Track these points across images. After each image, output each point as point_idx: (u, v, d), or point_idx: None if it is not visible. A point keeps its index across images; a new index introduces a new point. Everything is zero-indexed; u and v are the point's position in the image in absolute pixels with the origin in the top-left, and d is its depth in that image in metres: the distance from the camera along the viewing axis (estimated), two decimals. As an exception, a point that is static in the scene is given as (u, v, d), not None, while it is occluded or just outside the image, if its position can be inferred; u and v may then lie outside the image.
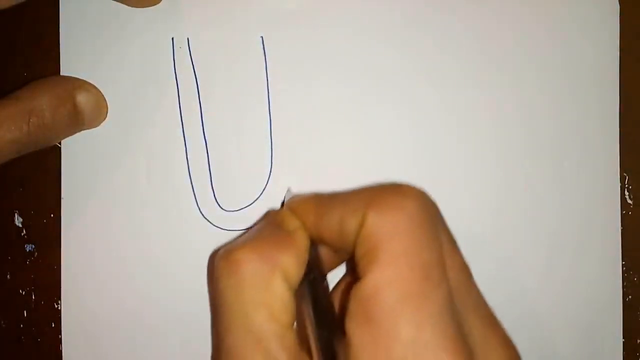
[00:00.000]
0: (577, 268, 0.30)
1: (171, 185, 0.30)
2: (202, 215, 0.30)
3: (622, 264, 0.30)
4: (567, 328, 0.30)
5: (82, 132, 0.29)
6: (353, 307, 0.21)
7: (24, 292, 0.31)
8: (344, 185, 0.29)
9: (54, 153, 0.30)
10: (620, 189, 0.30)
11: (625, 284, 0.30)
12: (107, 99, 0.29)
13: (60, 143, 0.30)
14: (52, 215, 0.30)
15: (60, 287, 0.30)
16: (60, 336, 0.30)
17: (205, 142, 0.30)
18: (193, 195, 0.30)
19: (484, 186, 0.30)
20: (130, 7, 0.29)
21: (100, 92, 0.29)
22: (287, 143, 0.30)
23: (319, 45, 0.30)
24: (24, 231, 0.31)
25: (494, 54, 0.30)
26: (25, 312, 0.31)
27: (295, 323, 0.23)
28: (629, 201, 0.30)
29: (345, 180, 0.29)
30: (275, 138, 0.30)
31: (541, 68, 0.30)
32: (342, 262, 0.27)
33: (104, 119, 0.29)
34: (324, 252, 0.25)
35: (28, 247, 0.31)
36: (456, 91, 0.30)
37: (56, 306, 0.30)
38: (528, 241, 0.30)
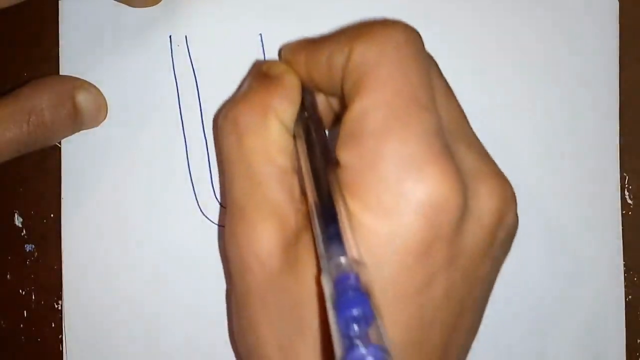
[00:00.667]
0: (578, 268, 0.30)
1: (171, 183, 0.30)
2: (203, 213, 0.30)
3: (623, 264, 0.30)
4: (567, 328, 0.30)
5: (82, 132, 0.29)
6: (342, 133, 0.21)
7: (24, 292, 0.31)
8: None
9: (54, 153, 0.30)
10: (620, 189, 0.30)
11: (625, 283, 0.30)
12: (106, 99, 0.29)
13: (60, 143, 0.30)
14: (52, 215, 0.30)
15: (60, 287, 0.30)
16: (60, 336, 0.30)
17: (205, 139, 0.30)
18: (193, 193, 0.30)
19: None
20: (128, 7, 0.29)
21: (99, 91, 0.29)
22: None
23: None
24: (24, 231, 0.31)
25: (493, 54, 0.30)
26: (25, 312, 0.31)
27: (296, 166, 0.23)
28: (629, 201, 0.30)
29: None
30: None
31: (541, 68, 0.30)
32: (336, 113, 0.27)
33: (104, 118, 0.29)
34: (320, 101, 0.25)
35: (28, 247, 0.31)
36: (455, 91, 0.30)
37: (56, 306, 0.30)
38: (528, 241, 0.30)
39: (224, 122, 0.24)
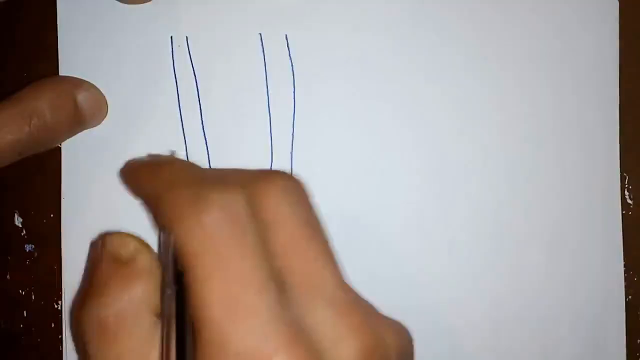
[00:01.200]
0: (578, 268, 0.30)
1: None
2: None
3: (623, 264, 0.30)
4: (568, 328, 0.30)
5: (82, 132, 0.29)
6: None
7: (24, 292, 0.31)
8: (345, 181, 0.30)
9: (54, 153, 0.30)
10: (620, 189, 0.30)
11: (625, 283, 0.30)
12: (106, 99, 0.29)
13: (60, 143, 0.30)
14: (52, 215, 0.30)
15: (60, 287, 0.30)
16: (60, 336, 0.30)
17: (205, 139, 0.30)
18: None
19: (484, 187, 0.30)
20: (128, 6, 0.29)
21: (99, 90, 0.29)
22: (286, 140, 0.30)
23: (318, 43, 0.30)
24: (24, 231, 0.31)
25: (492, 54, 0.30)
26: (25, 312, 0.31)
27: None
28: (629, 201, 0.30)
29: (345, 177, 0.30)
30: (275, 135, 0.30)
31: (541, 68, 0.30)
32: None
33: (105, 117, 0.29)
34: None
35: (28, 247, 0.31)
36: (455, 91, 0.30)
37: (56, 306, 0.30)
38: (528, 242, 0.30)
39: (90, 325, 0.22)
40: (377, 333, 0.22)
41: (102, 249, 0.25)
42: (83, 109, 0.28)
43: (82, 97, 0.28)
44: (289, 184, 0.22)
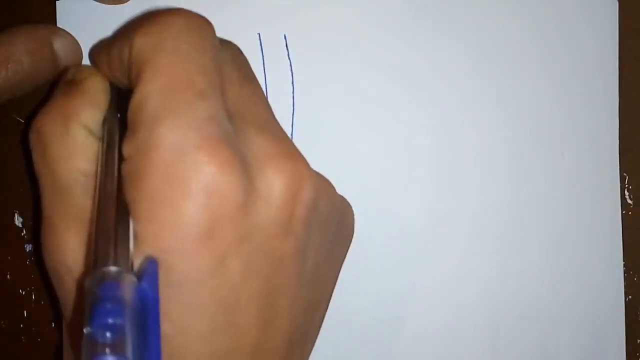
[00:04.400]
0: (578, 268, 0.30)
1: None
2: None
3: (623, 264, 0.30)
4: (568, 328, 0.30)
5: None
6: (127, 126, 0.21)
7: (24, 292, 0.31)
8: (345, 181, 0.29)
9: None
10: (620, 189, 0.30)
11: (625, 283, 0.30)
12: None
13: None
14: (52, 215, 0.30)
15: (60, 287, 0.30)
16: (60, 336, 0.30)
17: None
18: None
19: (483, 187, 0.30)
20: (128, 6, 0.29)
21: (75, 38, 0.29)
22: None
23: (317, 43, 0.30)
24: (24, 231, 0.31)
25: (492, 54, 0.30)
26: (25, 312, 0.31)
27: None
28: (629, 201, 0.30)
29: (345, 177, 0.30)
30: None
31: (540, 68, 0.30)
32: None
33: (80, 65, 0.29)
34: None
35: (28, 247, 0.31)
36: (455, 91, 0.30)
37: (56, 306, 0.30)
38: (528, 242, 0.30)
39: (30, 136, 0.24)
40: (308, 170, 0.22)
41: (62, 76, 0.26)
42: (59, 55, 0.28)
43: (58, 43, 0.28)
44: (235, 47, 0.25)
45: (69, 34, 0.29)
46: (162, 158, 0.20)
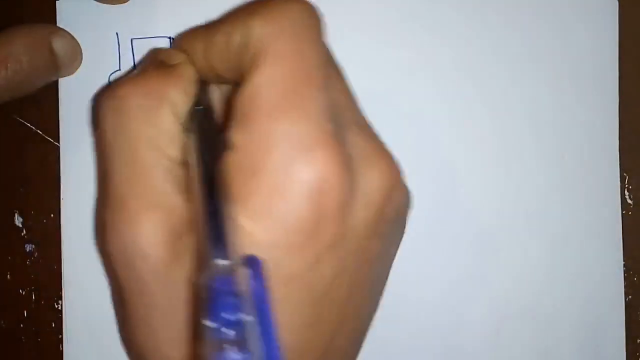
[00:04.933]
0: (578, 268, 0.30)
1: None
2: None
3: (623, 264, 0.30)
4: (568, 328, 0.30)
5: (82, 132, 0.29)
6: (236, 113, 0.21)
7: (24, 292, 0.31)
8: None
9: (54, 153, 0.30)
10: (620, 189, 0.30)
11: (625, 283, 0.30)
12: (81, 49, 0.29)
13: (59, 142, 0.30)
14: (52, 215, 0.30)
15: (60, 287, 0.30)
16: (60, 336, 0.30)
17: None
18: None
19: (483, 187, 0.30)
20: (127, 6, 0.29)
21: (74, 37, 0.29)
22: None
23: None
24: (24, 231, 0.31)
25: (492, 54, 0.30)
26: (25, 312, 0.31)
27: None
28: (629, 201, 0.30)
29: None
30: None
31: (540, 68, 0.30)
32: None
33: (79, 64, 0.29)
34: (217, 98, 0.25)
35: (28, 247, 0.31)
36: (454, 91, 0.30)
37: (56, 306, 0.30)
38: (528, 242, 0.30)
39: (110, 102, 0.22)
40: (399, 170, 0.23)
41: (152, 55, 0.26)
42: (58, 54, 0.28)
43: (57, 42, 0.28)
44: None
45: (68, 33, 0.29)
46: (281, 151, 0.20)
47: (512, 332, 0.30)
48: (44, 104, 0.30)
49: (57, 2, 0.30)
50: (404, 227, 0.26)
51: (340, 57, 0.30)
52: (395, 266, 0.30)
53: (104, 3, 0.29)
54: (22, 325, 0.31)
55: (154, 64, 0.24)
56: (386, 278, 0.26)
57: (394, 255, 0.26)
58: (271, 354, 0.18)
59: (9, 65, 0.26)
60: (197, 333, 0.17)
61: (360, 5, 0.30)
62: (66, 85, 0.30)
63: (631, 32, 0.30)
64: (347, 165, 0.20)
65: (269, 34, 0.21)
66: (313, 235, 0.20)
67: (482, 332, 0.30)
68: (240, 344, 0.16)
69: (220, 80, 0.24)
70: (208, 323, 0.16)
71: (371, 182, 0.21)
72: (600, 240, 0.30)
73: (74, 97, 0.29)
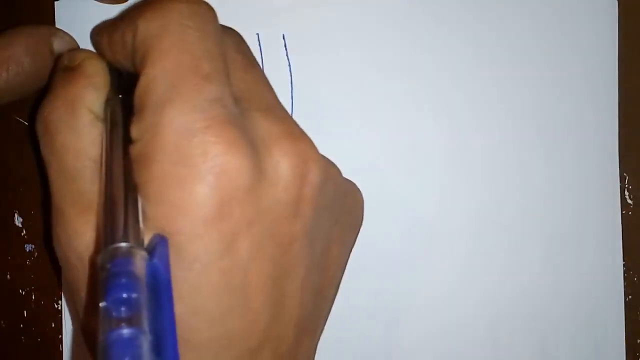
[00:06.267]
0: (577, 268, 0.30)
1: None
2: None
3: (623, 264, 0.30)
4: (568, 328, 0.30)
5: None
6: (134, 109, 0.21)
7: (24, 292, 0.31)
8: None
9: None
10: (620, 189, 0.30)
11: (625, 283, 0.30)
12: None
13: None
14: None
15: (60, 287, 0.30)
16: (60, 336, 0.30)
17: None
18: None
19: (483, 187, 0.30)
20: (124, 9, 0.29)
21: (73, 38, 0.29)
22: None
23: (315, 43, 0.30)
24: (24, 231, 0.31)
25: (492, 54, 0.30)
26: (25, 312, 0.31)
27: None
28: (629, 201, 0.30)
29: (346, 177, 0.30)
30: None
31: (540, 68, 0.30)
32: None
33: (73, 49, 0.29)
34: None
35: (28, 247, 0.31)
36: (454, 90, 0.30)
37: (56, 306, 0.31)
38: (528, 242, 0.30)
39: (38, 127, 0.24)
40: (315, 152, 0.22)
41: (57, 63, 0.26)
42: (59, 55, 0.28)
43: (57, 43, 0.28)
44: (238, 35, 0.25)
45: (67, 34, 0.29)
46: (171, 140, 0.20)
47: (511, 332, 0.30)
48: (43, 104, 0.30)
49: (55, 2, 0.30)
50: (355, 212, 0.26)
51: (339, 56, 0.30)
52: (395, 266, 0.30)
53: (103, 3, 0.29)
54: (22, 325, 0.31)
55: (60, 72, 0.25)
56: (342, 263, 0.25)
57: (347, 240, 0.26)
58: (167, 332, 0.18)
59: (10, 67, 0.26)
60: (97, 316, 0.17)
61: (358, 5, 0.30)
62: (66, 86, 0.30)
63: (631, 32, 0.30)
64: (246, 147, 0.20)
65: (155, 31, 0.21)
66: (218, 221, 0.20)
67: (482, 332, 0.30)
68: (131, 320, 0.16)
69: (127, 70, 0.24)
70: (102, 303, 0.17)
71: (279, 162, 0.21)
72: (600, 240, 0.30)
73: (73, 97, 0.29)
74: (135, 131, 0.21)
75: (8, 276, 0.31)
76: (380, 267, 0.30)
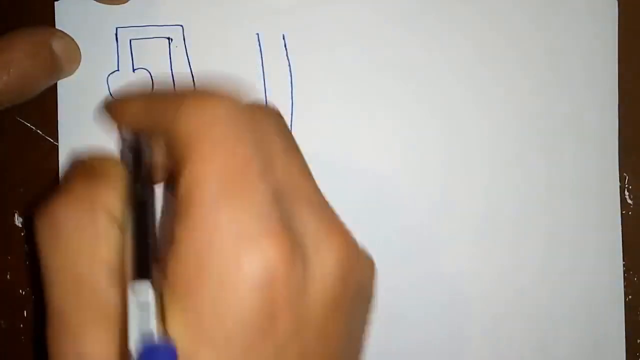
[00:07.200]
0: (577, 268, 0.30)
1: (170, 185, 0.30)
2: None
3: (623, 264, 0.30)
4: (568, 328, 0.30)
5: (81, 131, 0.29)
6: (177, 204, 0.20)
7: (24, 292, 0.31)
8: (343, 180, 0.30)
9: (54, 153, 0.30)
10: (620, 189, 0.30)
11: (625, 283, 0.30)
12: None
13: (58, 142, 0.30)
14: (51, 215, 0.30)
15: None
16: (60, 336, 0.30)
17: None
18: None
19: (483, 187, 0.30)
20: (126, 7, 0.29)
21: (72, 38, 0.29)
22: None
23: (315, 43, 0.30)
24: (24, 231, 0.31)
25: (492, 54, 0.30)
26: (25, 312, 0.31)
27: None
28: (629, 201, 0.30)
29: (344, 176, 0.30)
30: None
31: (540, 68, 0.30)
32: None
33: (78, 65, 0.29)
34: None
35: (28, 247, 0.31)
36: (454, 90, 0.30)
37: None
38: (528, 241, 0.30)
39: (42, 222, 0.22)
40: (355, 243, 0.22)
41: (76, 161, 0.25)
42: (59, 56, 0.28)
43: (57, 44, 0.28)
44: (276, 114, 0.24)
45: (67, 35, 0.29)
46: (224, 246, 0.19)
47: (511, 332, 0.30)
48: (43, 104, 0.30)
49: (55, 2, 0.30)
50: (373, 292, 0.25)
51: (339, 56, 0.30)
52: (395, 265, 0.30)
53: (103, 3, 0.29)
54: (22, 325, 0.31)
55: (77, 168, 0.24)
56: (364, 341, 0.25)
57: (369, 320, 0.25)
58: None
59: (11, 70, 0.26)
60: None
61: (358, 5, 0.30)
62: (65, 86, 0.30)
63: (631, 32, 0.30)
64: (297, 250, 0.20)
65: (203, 122, 0.20)
66: (268, 330, 0.19)
67: (482, 332, 0.30)
68: None
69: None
70: None
71: (326, 261, 0.21)
72: (600, 240, 0.30)
73: (73, 97, 0.30)
74: (180, 232, 0.20)
75: (8, 276, 0.31)
76: (379, 266, 0.30)
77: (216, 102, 0.21)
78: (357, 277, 0.22)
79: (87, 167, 0.23)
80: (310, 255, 0.21)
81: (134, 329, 0.19)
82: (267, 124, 0.22)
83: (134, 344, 0.19)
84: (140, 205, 0.22)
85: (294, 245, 0.20)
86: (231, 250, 0.19)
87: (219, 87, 0.22)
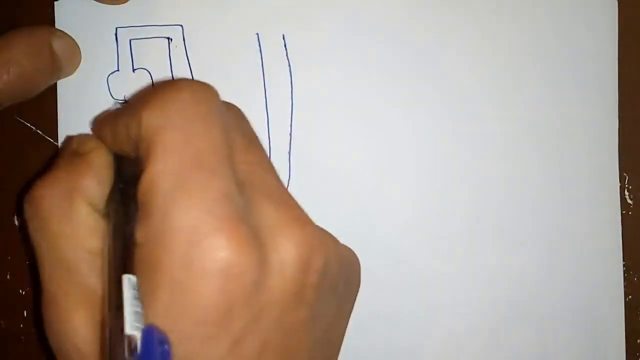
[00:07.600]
0: (577, 268, 0.30)
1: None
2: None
3: (623, 264, 0.30)
4: (568, 328, 0.30)
5: (81, 131, 0.29)
6: (139, 207, 0.21)
7: (24, 292, 0.31)
8: (343, 181, 0.30)
9: (54, 153, 0.30)
10: (620, 189, 0.30)
11: (625, 283, 0.30)
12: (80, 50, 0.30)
13: (58, 142, 0.30)
14: (51, 215, 0.30)
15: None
16: (60, 336, 0.30)
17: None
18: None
19: (483, 187, 0.30)
20: (126, 7, 0.29)
21: (72, 38, 0.29)
22: (284, 140, 0.30)
23: (315, 43, 0.30)
24: (24, 231, 0.31)
25: (492, 54, 0.30)
26: (25, 312, 0.31)
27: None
28: (629, 201, 0.30)
29: (344, 176, 0.30)
30: (273, 135, 0.30)
31: (540, 68, 0.30)
32: None
33: (78, 65, 0.29)
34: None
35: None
36: (454, 90, 0.30)
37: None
38: (528, 242, 0.30)
39: (27, 206, 0.23)
40: (320, 234, 0.22)
41: (64, 146, 0.26)
42: (59, 55, 0.28)
43: (56, 43, 0.28)
44: (236, 109, 0.24)
45: (67, 34, 0.29)
46: (178, 245, 0.19)
47: (511, 332, 0.30)
48: (43, 104, 0.30)
49: (55, 2, 0.30)
50: (354, 283, 0.25)
51: (339, 56, 0.30)
52: (394, 265, 0.30)
53: (103, 3, 0.29)
54: (22, 325, 0.31)
55: (65, 154, 0.24)
56: (342, 333, 0.25)
57: (346, 311, 0.25)
58: None
59: (10, 69, 0.26)
60: None
61: (358, 5, 0.30)
62: (65, 86, 0.30)
63: (631, 32, 0.30)
64: (253, 243, 0.20)
65: (157, 125, 0.21)
66: (226, 322, 0.20)
67: (482, 332, 0.30)
68: None
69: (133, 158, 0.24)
70: None
71: (284, 253, 0.21)
72: (600, 240, 0.30)
73: (73, 97, 0.30)
74: (140, 234, 0.20)
75: (8, 276, 0.31)
76: (378, 266, 0.30)
77: (172, 99, 0.21)
78: (322, 267, 0.22)
79: (73, 153, 0.24)
80: (268, 248, 0.21)
81: (131, 316, 0.19)
82: (229, 119, 0.23)
83: (131, 331, 0.19)
84: (123, 200, 0.23)
85: (250, 239, 0.20)
86: (184, 248, 0.19)
87: (179, 83, 0.22)
